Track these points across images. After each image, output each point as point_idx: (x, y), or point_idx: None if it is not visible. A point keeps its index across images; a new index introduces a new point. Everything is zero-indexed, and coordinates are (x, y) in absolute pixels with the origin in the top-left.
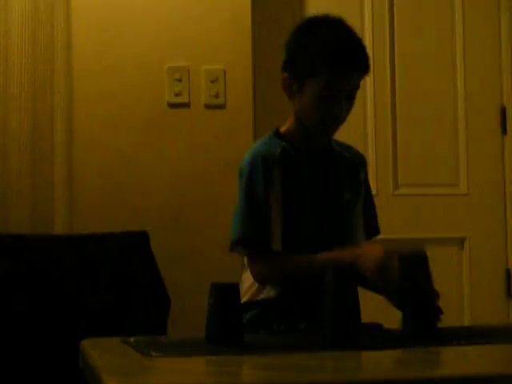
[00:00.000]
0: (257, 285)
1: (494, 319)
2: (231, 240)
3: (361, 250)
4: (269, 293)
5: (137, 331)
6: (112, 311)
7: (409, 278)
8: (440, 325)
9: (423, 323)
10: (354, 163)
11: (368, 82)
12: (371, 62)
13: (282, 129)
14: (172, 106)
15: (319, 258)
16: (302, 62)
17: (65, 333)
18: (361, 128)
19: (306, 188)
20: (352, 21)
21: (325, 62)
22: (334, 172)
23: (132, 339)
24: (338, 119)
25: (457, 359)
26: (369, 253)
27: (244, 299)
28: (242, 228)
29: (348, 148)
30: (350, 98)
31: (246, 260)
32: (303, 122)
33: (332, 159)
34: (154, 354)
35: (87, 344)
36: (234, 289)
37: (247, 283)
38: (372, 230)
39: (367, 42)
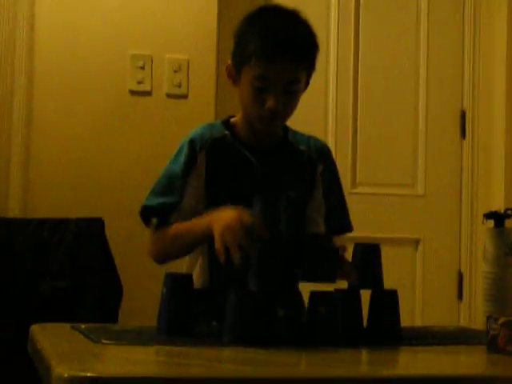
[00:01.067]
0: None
1: (445, 321)
2: (146, 207)
3: (216, 214)
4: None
5: (88, 318)
6: (63, 298)
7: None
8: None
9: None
10: (311, 159)
11: (330, 78)
12: (312, 57)
13: (234, 118)
14: (134, 93)
15: (184, 225)
16: (238, 49)
17: (15, 317)
18: (321, 125)
19: (238, 179)
20: (318, 17)
21: (256, 50)
22: (280, 169)
23: (83, 326)
24: (275, 113)
25: (406, 360)
26: (221, 216)
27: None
28: (147, 199)
29: (307, 140)
30: (289, 93)
31: None
32: (245, 112)
33: (281, 154)
34: (104, 341)
35: (36, 329)
36: (187, 279)
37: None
38: (338, 227)
39: (332, 39)
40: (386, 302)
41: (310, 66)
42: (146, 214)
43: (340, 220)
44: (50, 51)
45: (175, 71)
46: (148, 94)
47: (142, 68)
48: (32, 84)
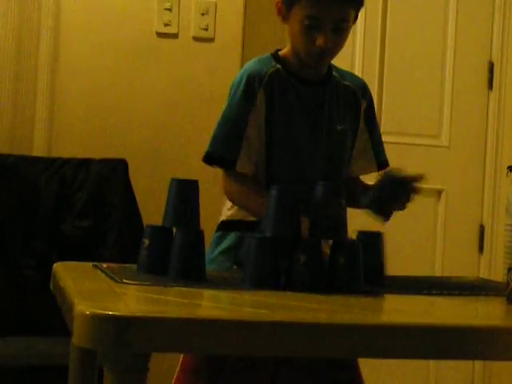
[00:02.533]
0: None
1: (465, 273)
2: (207, 150)
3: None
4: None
5: (110, 258)
6: (86, 237)
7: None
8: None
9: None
10: (355, 92)
11: (358, 27)
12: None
13: (282, 52)
14: (160, 35)
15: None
16: None
17: (38, 256)
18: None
19: (295, 113)
20: None
21: None
22: (328, 101)
23: (104, 265)
24: (324, 51)
25: (425, 308)
26: None
27: (223, 217)
28: (213, 143)
29: (350, 76)
30: (338, 31)
31: None
32: (294, 48)
33: (329, 87)
34: (125, 281)
35: (59, 267)
36: (198, 234)
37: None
38: (382, 162)
39: None
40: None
41: (358, 3)
42: (216, 160)
43: (382, 156)
44: None
45: (202, 14)
46: (175, 36)
47: (169, 10)
48: (58, 23)
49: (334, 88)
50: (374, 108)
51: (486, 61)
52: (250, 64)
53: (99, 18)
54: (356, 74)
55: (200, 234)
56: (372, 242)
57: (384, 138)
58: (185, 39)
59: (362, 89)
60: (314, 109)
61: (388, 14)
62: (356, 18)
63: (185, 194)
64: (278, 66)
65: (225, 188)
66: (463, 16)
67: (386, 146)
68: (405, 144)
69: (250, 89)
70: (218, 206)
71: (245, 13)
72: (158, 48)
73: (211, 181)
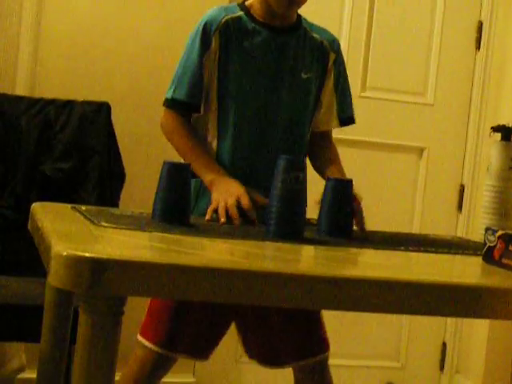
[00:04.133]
0: None
1: (443, 231)
2: (166, 97)
3: (221, 182)
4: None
5: (89, 201)
6: (66, 179)
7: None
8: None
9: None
10: (323, 46)
11: None
12: None
13: (249, 1)
14: None
15: (198, 153)
16: None
17: (17, 195)
18: (335, 26)
19: (253, 59)
20: None
21: None
22: (294, 49)
23: (83, 207)
24: None
25: (401, 263)
26: (223, 188)
27: None
28: (174, 89)
29: (320, 30)
30: None
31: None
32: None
33: (295, 36)
34: (104, 224)
35: (38, 207)
36: (184, 168)
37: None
38: (346, 119)
39: None
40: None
41: None
42: (168, 103)
43: (347, 112)
44: None
45: None
46: None
47: None
48: None
49: (300, 37)
50: (343, 64)
51: (475, 20)
52: (210, 11)
53: None
54: (344, 27)
55: (186, 169)
56: (342, 188)
57: (369, 94)
58: None
59: (331, 42)
60: (275, 55)
61: None
62: None
63: (177, 179)
64: (241, 12)
65: (162, 123)
66: None
67: (370, 102)
68: (390, 100)
69: (205, 35)
70: None
71: None
72: None
73: None
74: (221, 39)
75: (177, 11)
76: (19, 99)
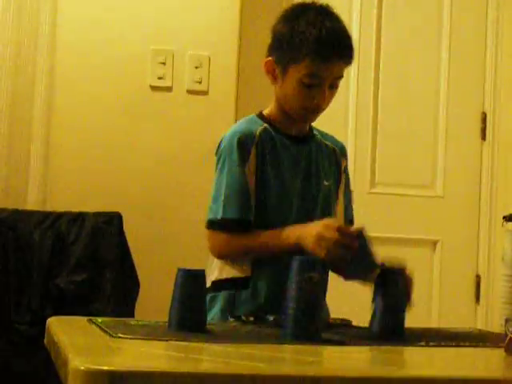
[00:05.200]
0: (228, 265)
1: (462, 323)
2: (210, 218)
3: (303, 229)
4: (239, 271)
5: (104, 312)
6: (80, 291)
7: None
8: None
9: (392, 322)
10: (335, 151)
11: (351, 78)
12: (355, 53)
13: (265, 111)
14: (154, 89)
15: (265, 234)
16: (286, 47)
17: (32, 310)
18: (341, 124)
19: (285, 170)
20: (340, 12)
21: (308, 49)
22: (315, 158)
23: (99, 320)
24: (320, 108)
25: (423, 360)
26: (307, 230)
27: (212, 278)
28: (223, 209)
29: (328, 136)
30: (333, 87)
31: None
32: (284, 107)
33: (314, 144)
34: (121, 335)
35: (53, 322)
36: (200, 275)
37: (216, 262)
38: (348, 222)
39: (354, 36)
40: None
41: (352, 61)
42: (224, 224)
43: (350, 215)
44: (71, 45)
45: (196, 67)
46: (169, 89)
47: (163, 63)
48: (53, 78)
49: (318, 145)
50: (348, 169)
51: (478, 111)
52: (238, 125)
53: (93, 72)
54: (349, 124)
55: (201, 279)
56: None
57: (378, 189)
58: (179, 92)
59: (341, 149)
60: (303, 163)
61: (380, 66)
62: None
63: (192, 286)
64: (265, 124)
65: (214, 245)
66: (455, 66)
67: (380, 197)
68: (399, 195)
69: (243, 148)
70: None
71: (238, 66)
72: (152, 101)
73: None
74: (257, 152)
75: (182, 121)
76: (31, 214)
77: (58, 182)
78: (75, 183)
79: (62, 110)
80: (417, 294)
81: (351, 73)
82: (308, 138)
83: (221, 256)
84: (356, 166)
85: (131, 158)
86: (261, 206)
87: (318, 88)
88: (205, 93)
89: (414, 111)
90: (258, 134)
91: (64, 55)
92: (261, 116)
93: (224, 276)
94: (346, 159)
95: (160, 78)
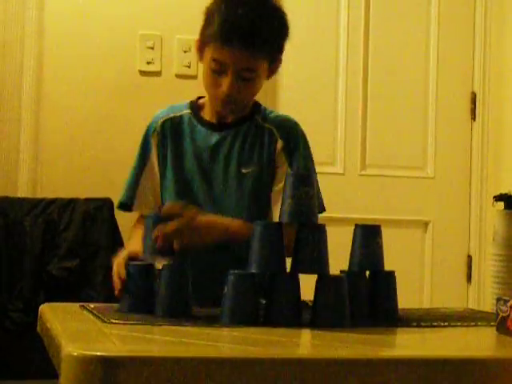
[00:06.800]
0: None
1: (454, 303)
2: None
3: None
4: None
5: (97, 298)
6: (72, 277)
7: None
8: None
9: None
10: (271, 134)
11: (340, 61)
12: (275, 46)
13: (202, 99)
14: (143, 73)
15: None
16: (203, 29)
17: (24, 297)
18: (331, 107)
19: (192, 160)
20: (329, 3)
21: (214, 30)
22: (232, 144)
23: (91, 305)
24: (228, 97)
25: (415, 340)
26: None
27: None
28: (122, 192)
29: (276, 117)
30: (245, 80)
31: None
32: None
33: (238, 131)
34: (113, 321)
35: (46, 309)
36: (183, 271)
37: None
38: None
39: (342, 25)
40: (383, 283)
41: (271, 55)
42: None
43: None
44: (59, 31)
45: (185, 51)
46: (157, 74)
47: (152, 48)
48: (41, 64)
49: (243, 131)
50: (297, 149)
51: (468, 91)
52: (158, 112)
53: (82, 57)
54: (339, 107)
55: (184, 270)
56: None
57: (369, 172)
58: (168, 77)
59: (281, 129)
60: (208, 154)
61: (369, 47)
62: (272, 70)
63: (176, 276)
64: (187, 111)
65: None
66: (444, 48)
67: (371, 179)
68: (390, 176)
69: (144, 138)
70: None
71: None
72: (141, 86)
73: None
74: (158, 141)
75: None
76: (21, 201)
77: (49, 168)
78: (65, 169)
79: (51, 96)
80: (409, 274)
81: (340, 54)
82: (233, 125)
83: None
84: (346, 149)
85: (121, 143)
86: (163, 195)
87: (224, 75)
88: (194, 77)
89: (404, 93)
90: (159, 123)
91: (52, 40)
92: (192, 102)
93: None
94: (289, 139)
95: (149, 63)
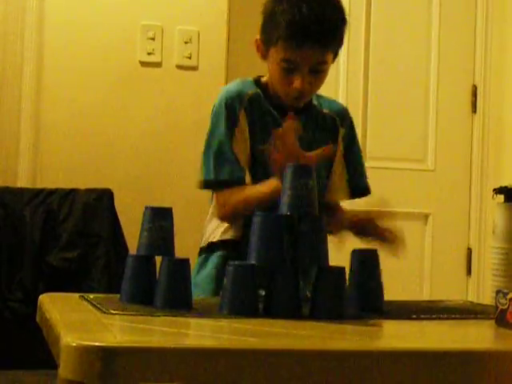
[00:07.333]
0: (222, 227)
1: (453, 296)
2: (203, 179)
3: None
4: (233, 233)
5: (96, 289)
6: (72, 268)
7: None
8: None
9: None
10: (333, 120)
11: (342, 54)
12: (340, 36)
13: (264, 78)
14: (144, 64)
15: (251, 191)
16: (267, 29)
17: (24, 287)
18: (332, 94)
19: (270, 139)
20: None
21: (280, 33)
22: (306, 130)
23: (91, 296)
24: (301, 93)
25: (415, 333)
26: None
27: (210, 239)
28: (215, 170)
29: (330, 103)
30: (316, 73)
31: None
32: (273, 84)
33: (306, 117)
34: (112, 311)
35: (45, 299)
36: (185, 262)
37: (212, 224)
38: (356, 188)
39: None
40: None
41: (338, 45)
42: (210, 185)
43: (360, 183)
44: (60, 21)
45: (186, 42)
46: (158, 65)
47: (153, 39)
48: (42, 54)
49: (311, 117)
50: (354, 135)
51: (469, 84)
52: (230, 85)
53: (82, 48)
54: (340, 99)
55: (186, 263)
56: (369, 261)
57: (369, 164)
58: (168, 68)
59: (341, 116)
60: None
61: (371, 40)
62: (336, 55)
63: (159, 222)
64: (258, 90)
65: (216, 206)
66: (446, 41)
67: (371, 172)
68: (390, 169)
69: (231, 111)
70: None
71: (228, 41)
72: (141, 77)
73: (197, 207)
74: (247, 115)
75: (172, 96)
76: (21, 191)
77: (49, 158)
78: (66, 160)
79: (52, 87)
80: (409, 266)
81: (342, 48)
82: (301, 110)
83: (222, 216)
84: None
85: (121, 133)
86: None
87: (297, 73)
88: (194, 68)
89: (405, 85)
90: (247, 98)
91: (52, 31)
92: (257, 81)
93: (217, 238)
94: (348, 126)
95: (149, 54)
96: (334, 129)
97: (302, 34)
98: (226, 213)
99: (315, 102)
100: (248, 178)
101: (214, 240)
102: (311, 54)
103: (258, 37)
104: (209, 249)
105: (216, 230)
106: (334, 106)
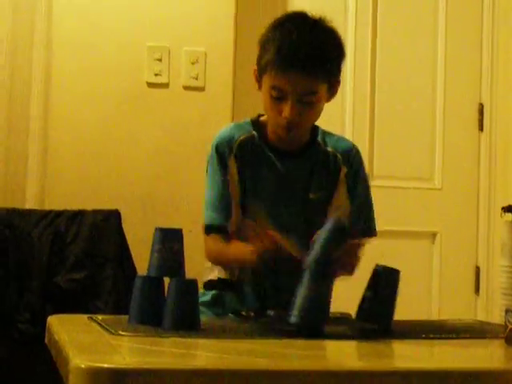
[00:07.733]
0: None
1: (462, 315)
2: (203, 224)
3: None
4: (227, 274)
5: (105, 310)
6: (80, 289)
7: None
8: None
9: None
10: (336, 159)
11: (348, 72)
12: (333, 67)
13: (264, 117)
14: (151, 85)
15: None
16: (260, 57)
17: (32, 309)
18: (339, 118)
19: (267, 185)
20: (334, 16)
21: (270, 60)
22: (302, 172)
23: (100, 317)
24: (290, 123)
25: (424, 353)
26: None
27: (204, 278)
28: (212, 215)
29: (337, 141)
30: (306, 104)
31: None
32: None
33: (306, 157)
34: (121, 332)
35: (54, 320)
36: (193, 284)
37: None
38: (361, 230)
39: (349, 37)
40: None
41: (330, 76)
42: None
43: (363, 224)
44: (67, 43)
45: (192, 63)
46: (165, 86)
47: (160, 60)
48: (50, 76)
49: (311, 157)
50: (358, 175)
51: (475, 102)
52: (222, 130)
53: (90, 68)
54: (346, 118)
55: (194, 284)
56: (391, 281)
57: (376, 183)
58: (175, 88)
59: (346, 154)
60: (281, 179)
61: (377, 59)
62: (333, 90)
63: (169, 244)
64: (254, 132)
65: (205, 250)
66: (452, 58)
67: (378, 190)
68: (397, 188)
69: (221, 157)
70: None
71: (234, 61)
72: (148, 98)
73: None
74: (237, 161)
75: (179, 117)
76: (29, 213)
77: (56, 180)
78: (73, 181)
79: (60, 108)
80: (417, 285)
81: (348, 65)
82: (300, 151)
83: (209, 260)
84: None
85: (129, 154)
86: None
87: (285, 102)
88: (201, 89)
89: (412, 103)
90: (237, 143)
91: (60, 52)
92: (255, 122)
93: (214, 276)
94: (353, 165)
95: (156, 75)
96: (335, 167)
97: (289, 60)
98: (210, 259)
99: (320, 140)
100: (238, 213)
101: (212, 278)
102: (299, 81)
103: (255, 67)
104: (206, 287)
105: (212, 268)
106: (340, 144)
